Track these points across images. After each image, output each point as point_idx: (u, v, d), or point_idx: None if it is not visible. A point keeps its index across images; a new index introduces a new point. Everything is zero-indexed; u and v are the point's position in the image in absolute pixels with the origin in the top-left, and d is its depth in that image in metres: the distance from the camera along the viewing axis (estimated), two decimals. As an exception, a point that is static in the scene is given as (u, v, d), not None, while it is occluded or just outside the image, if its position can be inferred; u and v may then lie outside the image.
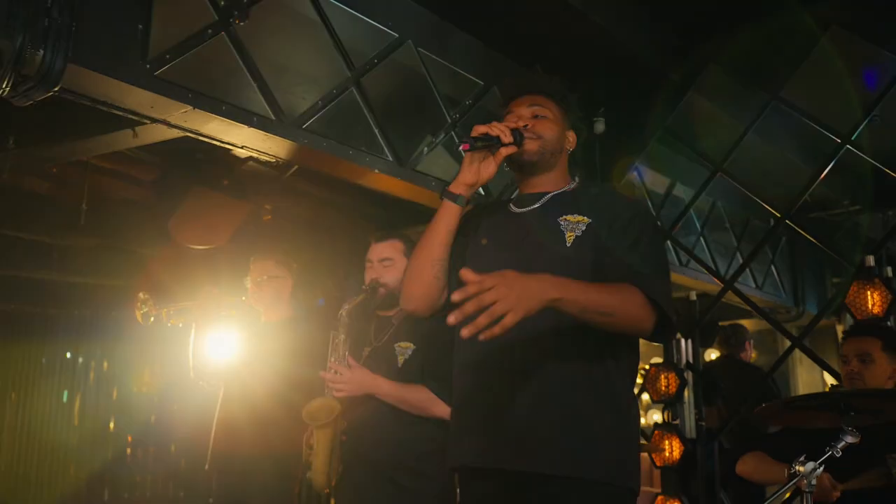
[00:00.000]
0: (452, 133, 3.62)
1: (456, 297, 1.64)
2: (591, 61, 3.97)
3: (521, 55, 3.93)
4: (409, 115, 3.44)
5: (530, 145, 1.97)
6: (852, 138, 3.77)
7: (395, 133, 3.33)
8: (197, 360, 3.69)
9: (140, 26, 2.50)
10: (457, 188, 1.95)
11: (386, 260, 2.98)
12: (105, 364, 6.24)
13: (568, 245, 1.93)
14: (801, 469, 2.13)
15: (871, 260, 3.54)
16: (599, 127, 4.53)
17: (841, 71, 3.94)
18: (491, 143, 1.90)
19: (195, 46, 2.65)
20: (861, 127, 3.76)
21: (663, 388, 4.10)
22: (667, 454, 3.99)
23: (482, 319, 1.59)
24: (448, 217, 1.96)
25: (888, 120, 4.09)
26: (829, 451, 2.14)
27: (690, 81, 4.27)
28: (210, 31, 2.70)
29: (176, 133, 2.94)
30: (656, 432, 4.09)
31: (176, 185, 3.93)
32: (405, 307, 2.14)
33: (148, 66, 2.52)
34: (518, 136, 1.93)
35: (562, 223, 1.96)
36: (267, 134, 2.87)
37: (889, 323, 3.39)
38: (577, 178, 2.11)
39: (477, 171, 1.93)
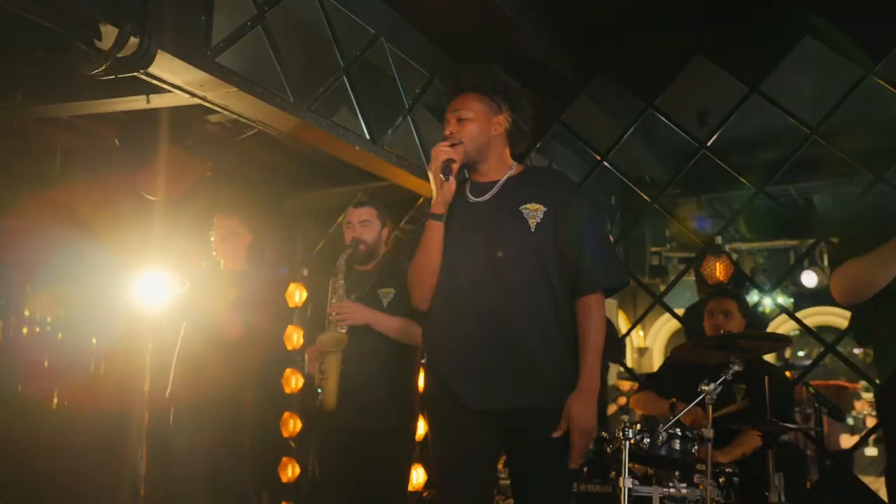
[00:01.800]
0: (409, 117, 4.11)
1: None
2: (502, 57, 4.53)
3: (454, 52, 4.47)
4: (380, 101, 3.89)
5: (454, 152, 2.22)
6: (707, 144, 4.65)
7: (370, 116, 3.77)
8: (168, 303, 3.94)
9: (203, 17, 2.80)
10: (438, 209, 2.25)
11: (365, 221, 3.45)
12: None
13: (532, 231, 2.24)
14: (707, 388, 2.92)
15: (718, 239, 4.46)
16: (503, 115, 5.14)
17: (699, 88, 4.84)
18: (449, 170, 2.21)
19: (240, 37, 2.97)
20: (715, 135, 4.65)
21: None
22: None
23: None
24: (438, 233, 2.26)
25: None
26: (723, 376, 2.94)
27: (583, 85, 4.99)
28: (250, 23, 3.02)
29: (187, 101, 3.24)
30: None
31: (145, 142, 4.11)
32: (420, 307, 2.39)
33: (209, 52, 2.83)
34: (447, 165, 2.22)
35: (524, 212, 2.26)
36: (283, 112, 3.23)
37: (730, 286, 4.32)
38: (514, 162, 2.37)
39: (448, 191, 2.23)
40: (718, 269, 4.27)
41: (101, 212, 4.71)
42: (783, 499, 3.12)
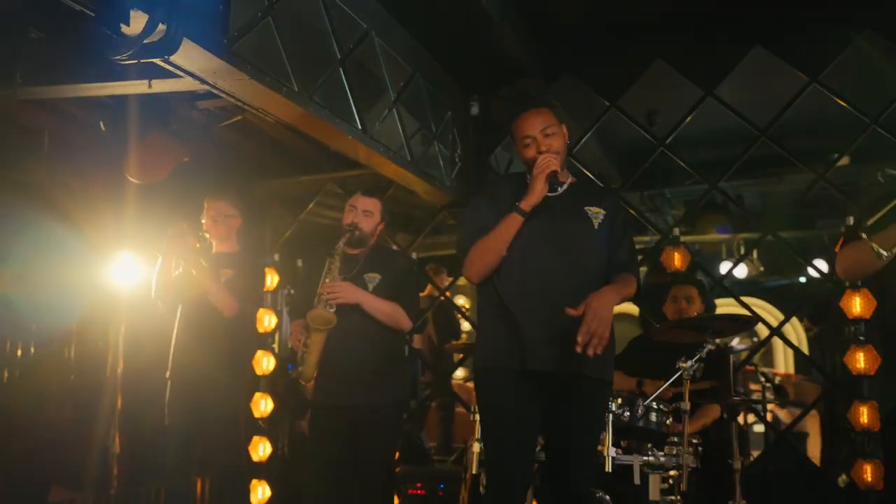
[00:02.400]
0: (394, 109, 4.20)
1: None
2: (478, 55, 4.67)
3: (435, 48, 4.59)
4: (369, 93, 3.97)
5: (556, 163, 2.56)
6: (667, 142, 4.90)
7: (362, 107, 3.85)
8: (158, 284, 3.93)
9: (221, 7, 2.83)
10: (527, 207, 2.54)
11: (367, 211, 3.55)
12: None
13: (595, 229, 2.63)
14: (684, 365, 3.13)
15: (676, 230, 4.71)
16: (475, 110, 5.28)
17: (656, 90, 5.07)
18: (556, 180, 2.56)
19: (254, 27, 3.02)
20: (673, 134, 4.90)
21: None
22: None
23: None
24: (517, 226, 2.55)
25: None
26: (698, 355, 3.16)
27: (550, 83, 5.16)
28: (261, 14, 3.07)
29: (190, 87, 3.26)
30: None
31: (131, 126, 4.08)
32: (471, 279, 2.69)
33: (226, 41, 2.86)
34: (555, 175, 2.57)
35: (588, 212, 2.64)
36: (287, 101, 3.29)
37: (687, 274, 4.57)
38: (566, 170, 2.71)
39: (540, 194, 2.55)
40: (677, 259, 4.52)
41: (84, 195, 4.62)
42: (740, 466, 3.37)
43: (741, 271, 7.36)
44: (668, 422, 3.28)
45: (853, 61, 4.50)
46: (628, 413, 3.22)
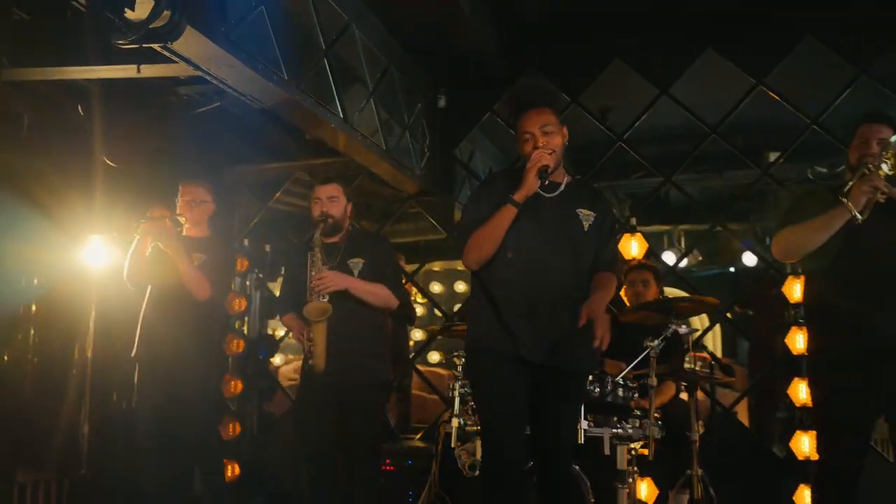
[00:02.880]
0: (371, 100, 4.26)
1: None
2: (448, 48, 4.76)
3: (409, 41, 4.66)
4: (349, 84, 4.03)
5: (551, 159, 2.64)
6: (624, 137, 5.08)
7: (344, 97, 3.90)
8: (130, 266, 3.91)
9: (219, -5, 2.86)
10: (519, 198, 2.62)
11: (333, 197, 3.61)
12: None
13: (585, 231, 2.73)
14: (651, 344, 3.30)
15: (633, 220, 4.91)
16: (442, 102, 5.37)
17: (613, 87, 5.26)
18: (546, 175, 2.62)
19: (249, 14, 3.04)
20: (630, 129, 5.09)
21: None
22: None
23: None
24: (511, 216, 2.64)
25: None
26: (664, 334, 3.34)
27: (515, 78, 5.29)
28: (254, 2, 3.10)
29: (178, 72, 3.28)
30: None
31: (117, 109, 4.05)
32: (469, 266, 2.79)
33: (223, 28, 2.89)
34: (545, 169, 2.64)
35: (579, 214, 2.74)
36: (278, 88, 3.33)
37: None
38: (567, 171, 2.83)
39: (532, 188, 2.63)
40: (634, 246, 4.71)
41: (59, 179, 4.52)
42: (697, 437, 3.58)
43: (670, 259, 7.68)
44: (634, 397, 3.45)
45: (795, 66, 4.75)
46: (598, 389, 3.39)
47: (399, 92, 4.68)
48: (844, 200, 2.71)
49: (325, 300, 3.39)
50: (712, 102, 5.02)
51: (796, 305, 4.46)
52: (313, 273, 3.44)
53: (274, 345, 5.88)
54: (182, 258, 3.78)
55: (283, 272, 3.94)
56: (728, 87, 4.97)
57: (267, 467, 5.29)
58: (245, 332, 5.43)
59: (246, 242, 5.47)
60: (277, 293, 4.17)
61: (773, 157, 5.53)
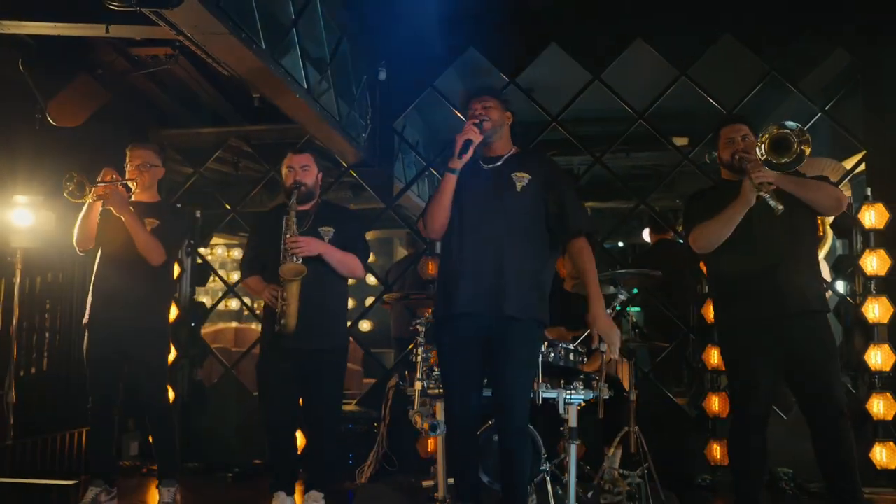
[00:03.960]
0: (328, 71, 4.30)
1: None
2: (403, 22, 4.85)
3: (362, 16, 4.72)
4: (312, 55, 4.05)
5: (486, 125, 3.02)
6: (559, 118, 5.35)
7: (308, 68, 3.93)
8: (80, 230, 3.81)
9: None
10: (455, 166, 2.95)
11: (305, 166, 3.68)
12: None
13: (519, 192, 3.00)
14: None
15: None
16: (382, 75, 5.44)
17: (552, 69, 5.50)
18: (469, 146, 2.94)
19: (235, -15, 3.04)
20: (565, 110, 5.36)
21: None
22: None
23: None
24: (453, 183, 2.98)
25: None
26: (613, 304, 3.64)
27: (455, 56, 5.43)
28: (238, -27, 3.09)
29: (145, 34, 3.23)
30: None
31: (57, 69, 3.88)
32: (431, 237, 3.19)
33: (215, -6, 2.88)
34: (479, 125, 2.99)
35: (513, 177, 3.02)
36: (255, 57, 3.34)
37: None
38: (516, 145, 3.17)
39: (466, 157, 2.96)
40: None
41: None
42: (634, 397, 3.94)
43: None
44: (585, 361, 3.73)
45: (715, 60, 5.16)
46: (552, 355, 3.65)
47: (350, 64, 4.73)
48: (759, 195, 3.04)
49: (300, 261, 3.46)
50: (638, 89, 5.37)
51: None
52: (288, 236, 3.50)
53: (204, 313, 5.82)
54: (137, 224, 3.73)
55: (249, 237, 3.95)
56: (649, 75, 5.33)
57: (194, 436, 5.27)
58: (178, 297, 5.34)
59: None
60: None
61: (678, 142, 6.01)
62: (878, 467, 4.57)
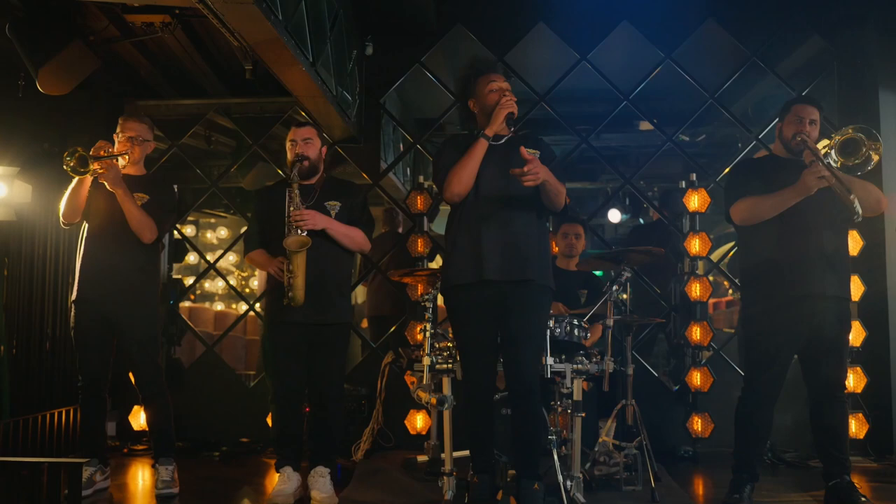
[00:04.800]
0: (328, 44, 4.27)
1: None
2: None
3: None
4: (317, 28, 4.02)
5: (515, 107, 3.18)
6: (545, 97, 5.43)
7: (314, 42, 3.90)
8: (69, 205, 3.71)
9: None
10: (490, 132, 3.14)
11: (308, 139, 3.67)
12: None
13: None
14: (612, 289, 3.70)
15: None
16: (369, 50, 5.41)
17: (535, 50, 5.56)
18: (513, 119, 3.15)
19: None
20: (551, 90, 5.44)
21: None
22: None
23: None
24: (484, 149, 3.15)
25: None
26: (617, 280, 3.76)
27: (442, 34, 5.44)
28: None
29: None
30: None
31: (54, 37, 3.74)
32: (452, 200, 3.22)
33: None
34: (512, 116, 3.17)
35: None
36: (272, 29, 3.28)
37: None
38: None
39: (499, 127, 3.14)
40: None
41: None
42: (632, 372, 4.08)
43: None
44: (588, 336, 3.85)
45: (699, 45, 5.32)
46: (558, 330, 3.74)
47: (344, 39, 4.70)
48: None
49: (304, 233, 3.46)
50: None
51: (695, 258, 5.09)
52: (292, 209, 3.48)
53: (183, 290, 5.72)
54: (131, 201, 3.66)
55: (253, 212, 3.92)
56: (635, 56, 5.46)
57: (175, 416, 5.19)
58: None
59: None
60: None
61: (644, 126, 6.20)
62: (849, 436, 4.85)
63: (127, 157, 3.79)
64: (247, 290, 9.22)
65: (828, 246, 3.35)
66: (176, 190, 5.44)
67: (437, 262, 5.20)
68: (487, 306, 3.16)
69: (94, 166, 3.57)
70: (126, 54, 4.66)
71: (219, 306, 9.06)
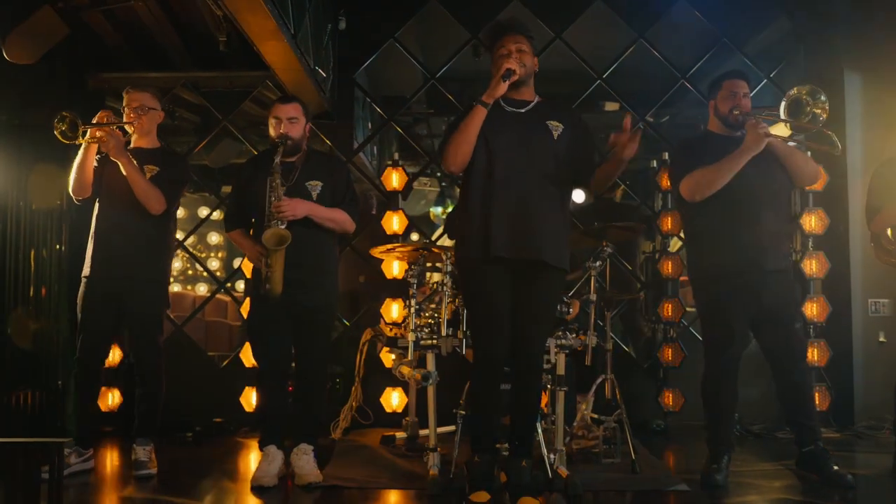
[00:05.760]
0: (307, 17, 4.22)
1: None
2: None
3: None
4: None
5: (521, 70, 3.05)
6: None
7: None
8: (77, 179, 3.63)
9: None
10: (489, 100, 2.98)
11: (292, 118, 3.60)
12: None
13: (555, 140, 3.10)
14: (593, 265, 3.77)
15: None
16: (342, 24, 5.36)
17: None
18: (511, 75, 2.99)
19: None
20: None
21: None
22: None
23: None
24: (482, 117, 3.00)
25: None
26: (601, 256, 3.82)
27: (418, 8, 5.42)
28: None
29: None
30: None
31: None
32: (451, 170, 3.12)
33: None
34: (507, 76, 2.99)
35: (549, 125, 3.10)
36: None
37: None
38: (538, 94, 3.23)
39: (500, 91, 2.98)
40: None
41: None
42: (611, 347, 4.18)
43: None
44: (571, 311, 3.91)
45: (672, 24, 5.41)
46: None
47: (321, 12, 4.64)
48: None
49: (284, 226, 3.40)
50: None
51: (666, 235, 5.21)
52: (273, 198, 3.43)
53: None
54: (134, 170, 3.58)
55: (232, 188, 3.85)
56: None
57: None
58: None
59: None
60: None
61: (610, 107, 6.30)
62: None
63: (132, 126, 3.71)
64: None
65: (769, 221, 3.46)
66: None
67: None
68: (499, 280, 3.09)
69: (96, 133, 3.49)
70: (94, 23, 4.52)
71: (202, 289, 8.98)
